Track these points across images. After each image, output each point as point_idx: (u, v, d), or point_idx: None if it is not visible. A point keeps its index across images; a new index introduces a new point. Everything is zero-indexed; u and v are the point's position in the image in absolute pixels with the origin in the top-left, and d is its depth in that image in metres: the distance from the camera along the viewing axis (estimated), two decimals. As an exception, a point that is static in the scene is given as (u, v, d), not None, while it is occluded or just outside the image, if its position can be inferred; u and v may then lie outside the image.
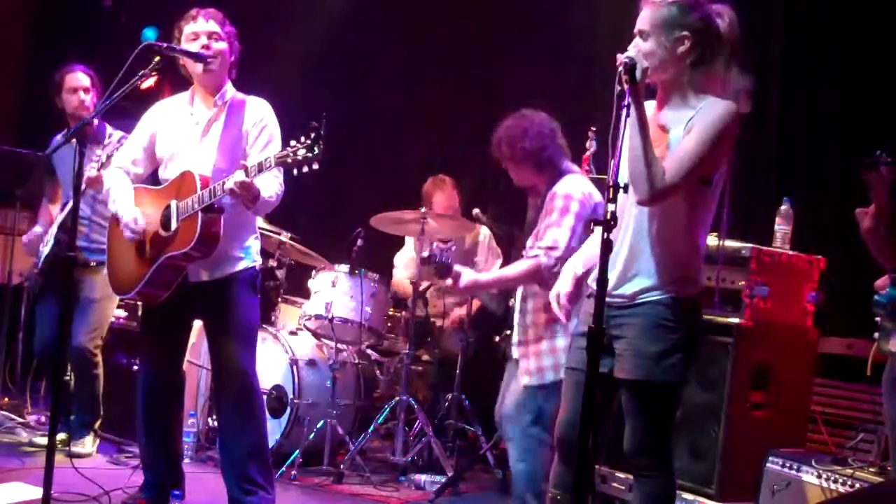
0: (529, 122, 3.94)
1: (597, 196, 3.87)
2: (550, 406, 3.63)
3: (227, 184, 3.49)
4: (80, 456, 4.68)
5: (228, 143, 3.78)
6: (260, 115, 3.83)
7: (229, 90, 3.88)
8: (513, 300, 4.07)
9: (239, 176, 3.47)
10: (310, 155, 3.33)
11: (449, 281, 3.86)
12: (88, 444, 4.90)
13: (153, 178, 3.97)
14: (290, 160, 3.36)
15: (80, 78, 4.96)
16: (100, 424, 4.98)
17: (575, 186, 3.86)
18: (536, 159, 3.92)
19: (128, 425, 4.99)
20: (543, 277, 3.74)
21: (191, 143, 3.84)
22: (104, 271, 4.34)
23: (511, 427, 3.87)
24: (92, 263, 4.86)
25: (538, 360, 3.79)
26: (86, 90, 4.95)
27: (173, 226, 3.69)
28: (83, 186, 4.42)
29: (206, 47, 3.77)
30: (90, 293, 4.88)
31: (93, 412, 4.96)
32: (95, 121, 4.80)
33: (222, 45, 3.81)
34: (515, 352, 3.90)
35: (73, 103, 4.93)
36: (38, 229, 5.08)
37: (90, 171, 4.38)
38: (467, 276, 3.87)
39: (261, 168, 3.47)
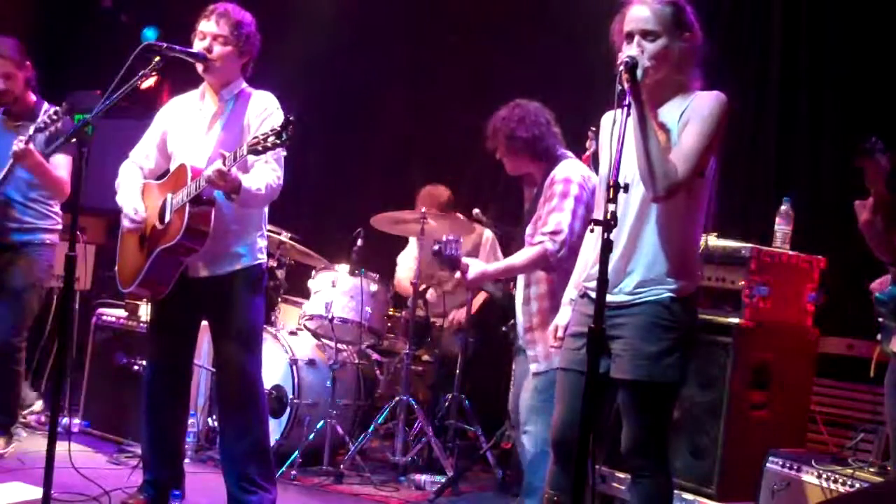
0: (525, 111, 3.96)
1: (595, 179, 3.88)
2: None
3: (204, 173, 3.51)
4: None
5: (229, 136, 3.78)
6: (263, 106, 3.82)
7: (237, 86, 3.89)
8: (514, 289, 4.07)
9: (216, 165, 3.48)
10: (278, 141, 3.38)
11: (458, 274, 3.87)
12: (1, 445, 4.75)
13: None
14: (260, 147, 3.42)
15: None
16: (98, 424, 4.97)
17: (573, 170, 3.87)
18: (533, 148, 3.94)
19: (127, 425, 5.00)
20: (550, 263, 3.74)
21: (196, 137, 3.85)
22: (33, 255, 4.45)
23: (529, 418, 3.85)
24: (17, 243, 4.68)
25: (545, 346, 3.78)
26: None
27: (167, 218, 3.73)
28: (10, 161, 4.41)
29: (209, 50, 3.78)
30: (14, 281, 4.70)
31: (11, 412, 4.80)
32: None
33: (226, 49, 3.79)
34: (521, 339, 3.90)
35: None
36: None
37: (17, 144, 4.34)
38: (475, 267, 3.87)
39: (235, 157, 3.48)
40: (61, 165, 4.66)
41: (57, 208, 4.82)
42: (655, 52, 2.91)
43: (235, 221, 3.79)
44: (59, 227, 4.84)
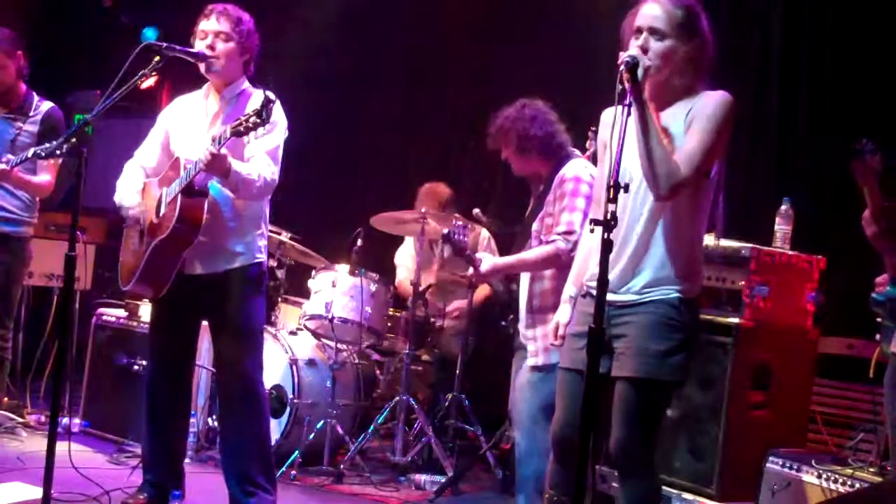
0: (535, 109, 3.95)
1: None
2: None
3: (200, 157, 3.53)
4: None
5: None
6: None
7: (240, 85, 3.89)
8: (515, 284, 4.07)
9: (207, 148, 3.51)
10: (258, 120, 3.46)
11: (470, 270, 3.88)
12: None
13: None
14: (242, 128, 3.48)
15: None
16: (98, 424, 4.95)
17: (582, 169, 3.88)
18: (547, 146, 3.93)
19: (127, 425, 5.00)
20: (562, 262, 3.74)
21: (198, 136, 3.85)
22: (19, 250, 4.52)
23: (523, 418, 3.85)
24: (3, 233, 4.71)
25: (544, 341, 3.77)
26: None
27: (161, 212, 3.73)
28: None
29: (211, 48, 3.78)
30: (1, 276, 4.75)
31: None
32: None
33: (228, 46, 3.80)
34: (522, 335, 3.90)
35: None
36: None
37: (1, 165, 4.35)
38: (487, 261, 3.88)
39: (220, 140, 3.50)
40: (45, 166, 4.67)
41: (37, 199, 4.84)
42: (659, 51, 2.91)
43: (233, 219, 3.79)
44: (36, 219, 4.89)
